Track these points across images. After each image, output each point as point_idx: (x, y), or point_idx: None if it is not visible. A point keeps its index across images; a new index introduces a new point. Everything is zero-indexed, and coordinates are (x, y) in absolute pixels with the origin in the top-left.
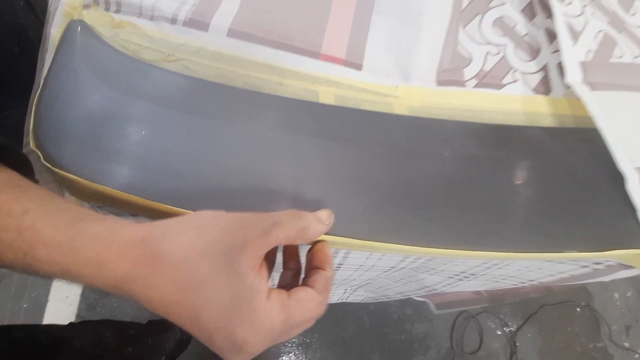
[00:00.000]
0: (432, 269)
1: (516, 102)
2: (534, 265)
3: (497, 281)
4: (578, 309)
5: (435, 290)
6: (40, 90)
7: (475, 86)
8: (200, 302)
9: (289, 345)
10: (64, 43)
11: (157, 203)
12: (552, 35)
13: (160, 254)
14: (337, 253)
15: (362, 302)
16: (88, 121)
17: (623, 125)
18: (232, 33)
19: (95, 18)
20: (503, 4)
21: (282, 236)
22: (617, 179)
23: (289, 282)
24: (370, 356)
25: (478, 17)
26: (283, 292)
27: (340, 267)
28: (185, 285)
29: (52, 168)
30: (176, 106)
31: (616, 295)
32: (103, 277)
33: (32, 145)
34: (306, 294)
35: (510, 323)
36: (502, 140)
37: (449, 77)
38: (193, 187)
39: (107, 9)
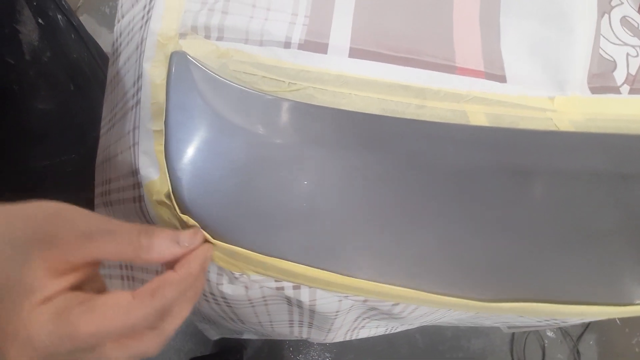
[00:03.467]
0: None
1: None
2: None
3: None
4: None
5: (527, 322)
6: (167, 143)
7: (630, 92)
8: None
9: None
10: (174, 79)
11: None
12: None
13: None
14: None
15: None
16: (238, 174)
17: None
18: (355, 53)
19: (196, 48)
20: (622, 3)
21: (109, 249)
22: None
23: None
24: None
25: (606, 17)
26: (77, 297)
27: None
28: None
29: (219, 243)
30: (331, 145)
31: None
32: None
33: (178, 210)
34: (108, 298)
35: (570, 331)
36: None
37: (600, 83)
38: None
39: (208, 36)
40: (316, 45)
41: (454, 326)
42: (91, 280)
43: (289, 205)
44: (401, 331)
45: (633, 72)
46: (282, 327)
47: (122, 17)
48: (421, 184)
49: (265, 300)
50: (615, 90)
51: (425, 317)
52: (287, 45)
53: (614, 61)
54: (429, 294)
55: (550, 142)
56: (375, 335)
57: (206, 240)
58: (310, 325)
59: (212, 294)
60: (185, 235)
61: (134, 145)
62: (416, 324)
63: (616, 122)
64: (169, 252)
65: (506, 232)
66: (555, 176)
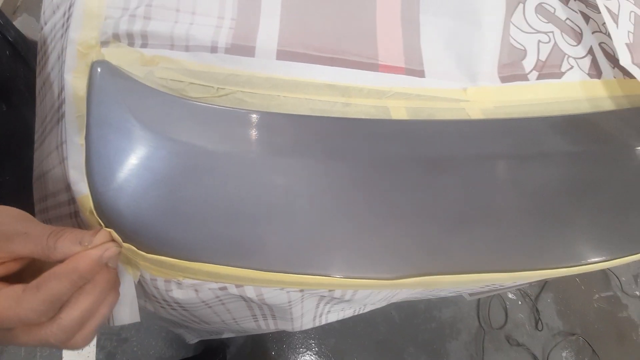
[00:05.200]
0: None
1: (577, 89)
2: None
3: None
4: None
5: (503, 286)
6: (88, 160)
7: (538, 78)
8: None
9: (324, 354)
10: (95, 92)
11: (278, 273)
12: (586, 17)
13: None
14: None
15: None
16: (164, 184)
17: None
18: (282, 55)
19: (119, 56)
20: None
21: (23, 249)
22: None
23: None
24: (406, 350)
25: (520, 6)
26: None
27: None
28: None
29: (144, 254)
30: (259, 148)
31: None
32: None
33: (103, 225)
34: (6, 290)
35: (529, 292)
36: (585, 131)
37: (510, 72)
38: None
39: (131, 43)
40: (243, 48)
41: (427, 299)
42: (32, 275)
43: (216, 210)
44: (379, 310)
45: (543, 58)
46: (247, 322)
47: (45, 23)
48: (344, 176)
49: (220, 300)
50: (524, 77)
51: (373, 296)
52: (213, 49)
53: (525, 49)
54: (336, 279)
55: (460, 130)
56: (345, 317)
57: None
58: (274, 317)
59: (164, 300)
60: (86, 235)
61: (63, 160)
62: (379, 305)
63: (523, 107)
64: (71, 252)
65: (423, 214)
66: (465, 161)
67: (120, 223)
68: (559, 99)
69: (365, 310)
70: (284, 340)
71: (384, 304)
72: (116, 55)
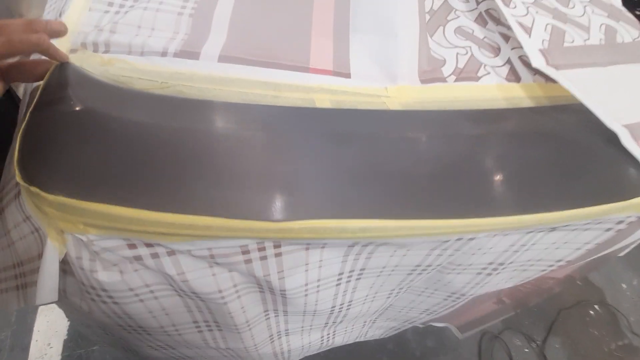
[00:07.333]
0: (459, 265)
1: (494, 90)
2: (561, 239)
3: (525, 269)
4: (593, 311)
5: (464, 295)
6: (22, 131)
7: (456, 80)
8: None
9: None
10: (47, 80)
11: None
12: (506, 37)
13: None
14: (360, 254)
15: (382, 336)
16: (82, 146)
17: (596, 95)
18: (223, 59)
19: (83, 60)
20: (458, 17)
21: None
22: (605, 140)
23: None
24: None
25: (440, 28)
26: None
27: (362, 273)
28: None
29: (49, 196)
30: (184, 128)
31: (624, 286)
32: None
33: (21, 179)
34: None
35: (535, 336)
36: (492, 119)
37: (430, 75)
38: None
39: (96, 50)
40: (190, 53)
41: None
42: None
43: (122, 164)
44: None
45: (461, 66)
46: (190, 332)
47: None
48: (259, 141)
49: (152, 292)
50: (442, 80)
51: (312, 297)
52: (164, 54)
53: (444, 59)
54: (221, 219)
55: (374, 116)
56: (311, 346)
57: None
58: (218, 325)
59: (92, 287)
60: (41, 24)
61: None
62: (350, 336)
63: (441, 104)
64: (27, 40)
65: (327, 174)
66: (372, 138)
67: (37, 176)
68: (476, 97)
69: (336, 344)
70: None
71: (354, 334)
72: (80, 59)
